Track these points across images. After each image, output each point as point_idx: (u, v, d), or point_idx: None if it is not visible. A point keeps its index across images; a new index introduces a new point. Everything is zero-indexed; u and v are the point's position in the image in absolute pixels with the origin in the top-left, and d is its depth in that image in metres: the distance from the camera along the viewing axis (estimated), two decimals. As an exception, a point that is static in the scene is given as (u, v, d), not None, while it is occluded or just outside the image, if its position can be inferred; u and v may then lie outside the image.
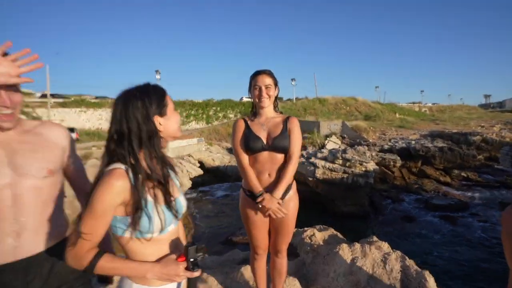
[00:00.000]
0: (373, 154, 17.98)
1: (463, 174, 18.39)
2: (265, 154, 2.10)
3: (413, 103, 64.44)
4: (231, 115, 38.73)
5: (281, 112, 2.27)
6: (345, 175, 13.87)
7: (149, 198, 1.18)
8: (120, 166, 1.15)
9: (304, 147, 22.60)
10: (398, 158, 17.71)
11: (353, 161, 14.65)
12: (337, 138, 25.59)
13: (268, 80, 2.12)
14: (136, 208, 1.14)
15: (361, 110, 43.91)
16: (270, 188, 2.07)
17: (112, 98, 1.30)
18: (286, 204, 2.10)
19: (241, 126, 2.17)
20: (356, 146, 19.90)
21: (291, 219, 2.15)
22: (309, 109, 42.14)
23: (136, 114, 1.16)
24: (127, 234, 1.18)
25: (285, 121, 2.15)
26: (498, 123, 35.88)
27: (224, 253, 3.68)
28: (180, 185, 1.36)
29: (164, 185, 1.22)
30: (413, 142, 21.61)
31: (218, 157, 23.30)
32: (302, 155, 16.44)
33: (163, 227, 1.21)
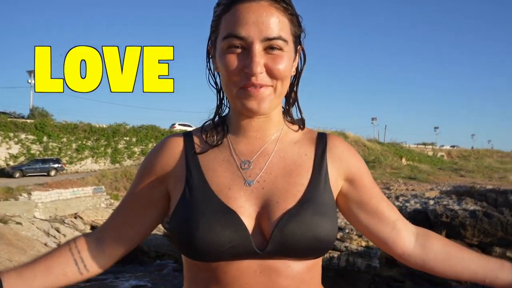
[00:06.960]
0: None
1: (508, 254, 13.84)
2: (251, 267, 0.68)
3: (425, 144, 52.57)
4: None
5: (302, 124, 0.84)
6: (336, 254, 11.15)
7: None
8: None
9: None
10: (414, 227, 13.71)
11: (347, 231, 11.74)
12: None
13: (278, 21, 0.69)
14: None
15: (352, 152, 35.89)
16: None
17: None
18: None
19: (172, 156, 0.78)
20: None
21: None
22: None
23: None
24: None
25: (319, 149, 0.80)
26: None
27: None
28: None
29: None
30: (431, 202, 17.39)
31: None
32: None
33: None
